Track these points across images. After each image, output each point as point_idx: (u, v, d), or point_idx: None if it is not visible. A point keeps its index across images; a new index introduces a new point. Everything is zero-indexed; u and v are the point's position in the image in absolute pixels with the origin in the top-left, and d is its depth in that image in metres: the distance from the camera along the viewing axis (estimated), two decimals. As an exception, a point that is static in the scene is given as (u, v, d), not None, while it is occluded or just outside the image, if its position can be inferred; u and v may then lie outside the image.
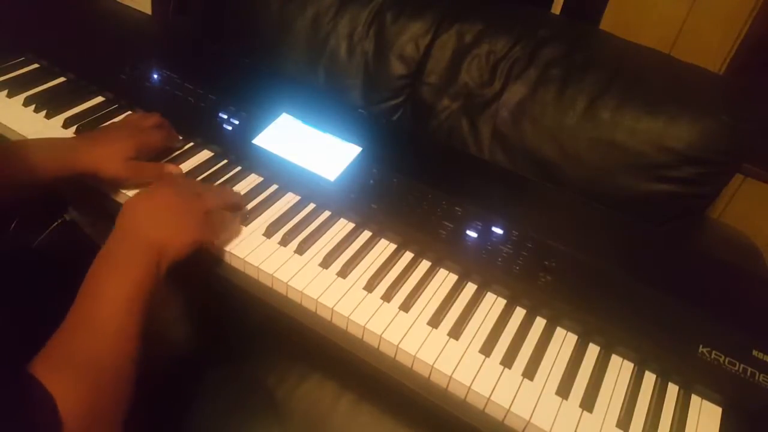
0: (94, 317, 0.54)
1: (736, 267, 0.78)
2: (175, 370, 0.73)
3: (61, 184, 0.73)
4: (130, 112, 0.91)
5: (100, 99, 0.94)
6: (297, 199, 0.80)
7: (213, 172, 0.83)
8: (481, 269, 0.72)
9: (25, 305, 0.82)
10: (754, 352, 0.64)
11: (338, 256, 0.72)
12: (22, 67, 0.98)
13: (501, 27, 1.02)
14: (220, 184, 0.81)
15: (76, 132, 0.85)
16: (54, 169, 0.71)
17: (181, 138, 0.86)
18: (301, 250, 0.72)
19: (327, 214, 0.79)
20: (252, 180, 0.83)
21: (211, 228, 0.68)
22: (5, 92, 0.91)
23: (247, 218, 0.75)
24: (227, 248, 0.71)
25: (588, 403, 0.61)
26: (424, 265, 0.74)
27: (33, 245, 0.92)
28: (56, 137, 0.79)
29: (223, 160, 0.85)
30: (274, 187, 0.82)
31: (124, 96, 0.93)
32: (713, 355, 0.63)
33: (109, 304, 0.55)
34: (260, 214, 0.77)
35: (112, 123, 0.85)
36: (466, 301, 0.70)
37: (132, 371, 0.53)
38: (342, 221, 0.78)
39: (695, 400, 0.64)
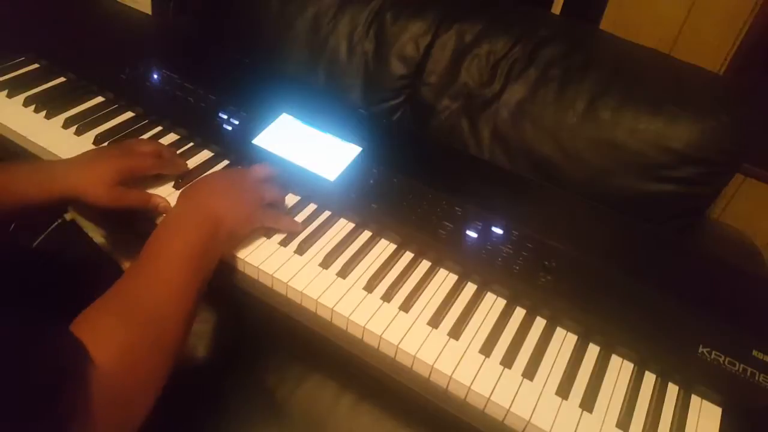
0: (150, 270, 0.58)
1: (736, 267, 0.78)
2: (174, 371, 0.73)
3: (45, 208, 0.71)
4: (132, 138, 0.86)
5: (100, 99, 0.94)
6: (297, 200, 0.80)
7: (213, 172, 0.83)
8: (481, 269, 0.72)
9: (25, 305, 0.81)
10: (754, 352, 0.64)
11: (338, 256, 0.72)
12: (22, 67, 0.98)
13: (501, 27, 1.02)
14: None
15: (76, 132, 0.85)
16: (34, 194, 0.69)
17: (188, 168, 0.82)
18: (301, 250, 0.72)
19: (327, 214, 0.79)
20: (252, 180, 0.83)
21: (266, 216, 0.72)
22: (5, 92, 0.91)
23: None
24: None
25: (588, 403, 0.61)
26: (424, 265, 0.74)
27: (33, 245, 0.92)
28: (43, 161, 0.77)
29: (223, 160, 0.85)
30: (274, 187, 0.82)
31: (124, 96, 0.93)
32: (713, 355, 0.63)
33: (166, 259, 0.59)
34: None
35: (103, 146, 0.82)
36: (466, 301, 0.70)
37: (181, 324, 0.56)
38: (342, 221, 0.78)
39: (695, 400, 0.64)
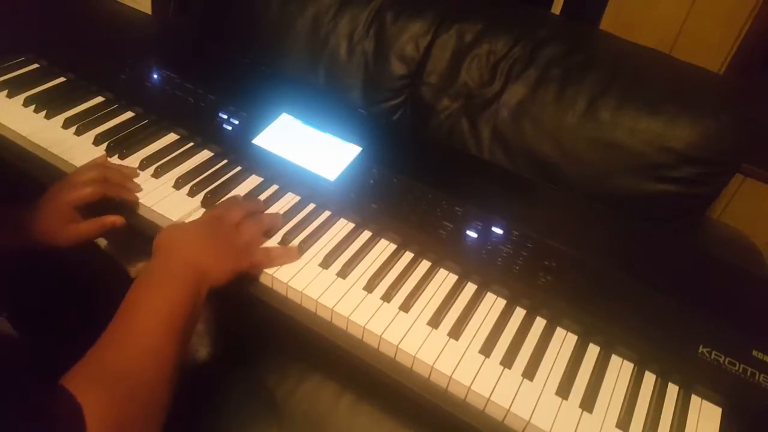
0: (130, 333, 0.54)
1: (736, 267, 0.78)
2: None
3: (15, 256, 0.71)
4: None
5: (100, 99, 0.94)
6: (297, 200, 0.80)
7: (213, 172, 0.83)
8: (481, 269, 0.72)
9: (25, 305, 0.82)
10: (754, 352, 0.64)
11: (338, 257, 0.72)
12: (22, 67, 0.98)
13: (501, 27, 1.02)
14: (220, 184, 0.81)
15: (76, 132, 0.85)
16: (16, 245, 0.70)
17: (140, 191, 0.77)
18: (301, 250, 0.72)
19: (327, 214, 0.79)
20: (252, 180, 0.83)
21: (251, 258, 0.68)
22: (5, 92, 0.91)
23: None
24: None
25: (588, 403, 0.61)
26: (424, 265, 0.74)
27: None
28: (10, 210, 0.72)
29: (223, 160, 0.85)
30: (274, 187, 0.82)
31: (124, 96, 0.93)
32: (713, 355, 0.63)
33: (147, 320, 0.54)
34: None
35: (52, 187, 0.74)
36: (466, 301, 0.70)
37: (166, 389, 0.53)
38: (342, 221, 0.78)
39: (695, 400, 0.64)
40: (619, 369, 0.66)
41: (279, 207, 0.79)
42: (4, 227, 0.70)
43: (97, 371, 0.50)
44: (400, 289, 0.70)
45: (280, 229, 0.74)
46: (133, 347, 0.52)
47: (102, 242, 0.83)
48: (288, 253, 0.70)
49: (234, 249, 0.66)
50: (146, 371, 0.52)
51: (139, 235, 0.75)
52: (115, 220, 0.73)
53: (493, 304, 0.70)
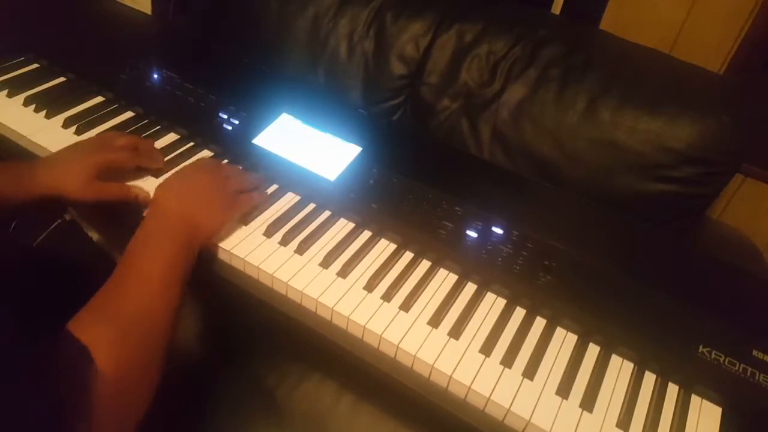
0: (132, 282, 0.58)
1: (736, 267, 0.78)
2: (174, 372, 0.73)
3: (27, 207, 0.72)
4: (106, 130, 0.87)
5: (100, 99, 0.94)
6: (297, 199, 0.80)
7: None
8: (481, 269, 0.72)
9: (25, 305, 0.81)
10: (754, 352, 0.64)
11: (338, 256, 0.72)
12: (22, 67, 0.98)
13: (501, 27, 1.02)
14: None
15: (76, 132, 0.85)
16: (16, 194, 0.70)
17: (165, 160, 0.82)
18: (301, 249, 0.72)
19: (327, 213, 0.79)
20: (252, 180, 0.83)
21: (240, 208, 0.73)
22: (5, 92, 0.91)
23: (247, 218, 0.75)
24: (227, 248, 0.71)
25: (588, 403, 0.61)
26: (424, 265, 0.74)
27: (33, 245, 0.92)
28: (20, 161, 0.75)
29: (223, 160, 0.85)
30: (274, 187, 0.82)
31: (124, 96, 0.93)
32: (713, 355, 0.63)
33: (147, 271, 0.59)
34: (260, 214, 0.77)
35: (80, 141, 0.79)
36: (466, 301, 0.70)
37: (168, 325, 0.57)
38: (342, 221, 0.78)
39: (695, 400, 0.64)
40: (619, 369, 0.66)
41: (279, 206, 0.79)
42: (23, 176, 0.71)
43: (101, 313, 0.54)
44: (400, 288, 0.70)
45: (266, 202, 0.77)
46: (135, 294, 0.57)
47: (94, 235, 0.83)
48: (261, 195, 0.77)
49: (224, 199, 0.71)
50: (147, 313, 0.56)
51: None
52: (139, 193, 0.76)
53: (493, 303, 0.70)
